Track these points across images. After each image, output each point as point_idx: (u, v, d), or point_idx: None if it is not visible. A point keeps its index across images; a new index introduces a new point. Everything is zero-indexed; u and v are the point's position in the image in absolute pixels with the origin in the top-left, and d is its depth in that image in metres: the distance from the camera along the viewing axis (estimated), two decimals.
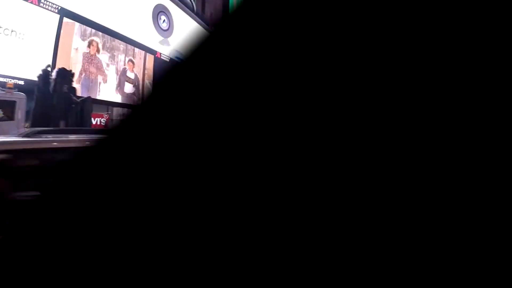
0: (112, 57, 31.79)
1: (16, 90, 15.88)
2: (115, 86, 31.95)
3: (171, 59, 37.36)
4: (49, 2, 24.83)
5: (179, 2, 43.52)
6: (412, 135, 0.30)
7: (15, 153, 3.67)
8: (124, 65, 33.50)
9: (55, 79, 16.90)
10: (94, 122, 28.60)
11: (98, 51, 30.55)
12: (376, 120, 0.30)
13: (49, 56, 25.15)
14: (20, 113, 14.36)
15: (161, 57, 38.72)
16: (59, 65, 25.58)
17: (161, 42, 38.80)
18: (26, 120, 15.03)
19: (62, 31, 26.34)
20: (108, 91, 31.15)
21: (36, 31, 24.40)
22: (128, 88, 33.75)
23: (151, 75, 37.24)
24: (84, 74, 28.38)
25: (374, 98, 0.31)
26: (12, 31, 22.64)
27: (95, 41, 29.69)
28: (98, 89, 29.77)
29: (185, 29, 43.62)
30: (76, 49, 27.40)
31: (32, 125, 14.58)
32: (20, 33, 23.20)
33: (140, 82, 35.95)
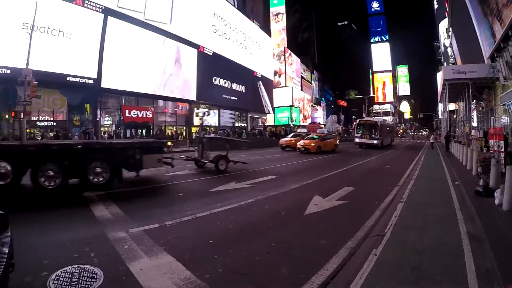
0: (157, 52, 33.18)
1: None
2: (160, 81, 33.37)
3: (214, 53, 38.24)
4: (93, 2, 26.17)
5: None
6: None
7: None
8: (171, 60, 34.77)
9: None
10: (140, 115, 29.92)
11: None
12: None
13: (95, 54, 26.47)
14: None
15: (204, 51, 39.50)
16: (106, 61, 27.24)
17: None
18: None
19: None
20: (154, 85, 32.55)
21: (82, 30, 25.65)
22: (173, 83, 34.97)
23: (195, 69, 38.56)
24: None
25: None
26: (59, 31, 24.19)
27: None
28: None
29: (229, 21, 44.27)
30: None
31: None
32: (67, 33, 24.64)
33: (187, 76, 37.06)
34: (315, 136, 28.37)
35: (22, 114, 18.72)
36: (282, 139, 29.58)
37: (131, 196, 8.94)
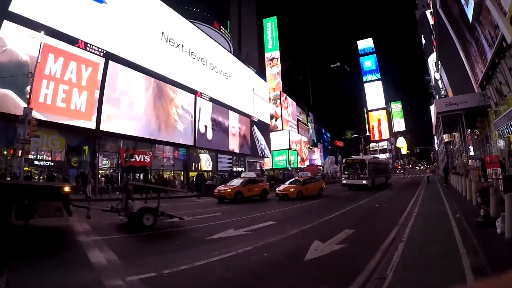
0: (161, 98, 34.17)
1: None
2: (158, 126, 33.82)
3: (211, 99, 39.03)
4: (95, 46, 27.19)
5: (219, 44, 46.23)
6: None
7: None
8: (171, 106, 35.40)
9: None
10: (138, 159, 30.00)
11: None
12: None
13: (95, 97, 26.95)
14: None
15: (202, 96, 40.48)
16: (105, 105, 27.73)
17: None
18: None
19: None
20: (152, 129, 32.95)
21: (84, 74, 26.38)
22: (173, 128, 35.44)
23: (195, 114, 39.35)
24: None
25: None
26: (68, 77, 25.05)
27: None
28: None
29: (225, 67, 45.69)
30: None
31: None
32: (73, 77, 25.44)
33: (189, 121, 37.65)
34: (300, 180, 25.18)
35: (20, 152, 18.90)
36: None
37: (127, 242, 9.00)
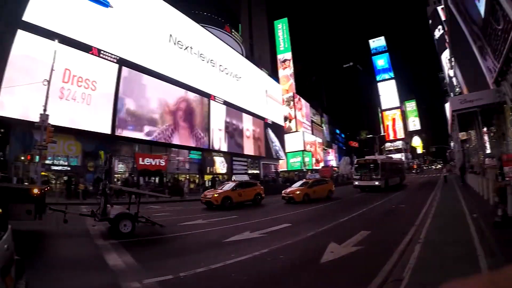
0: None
1: None
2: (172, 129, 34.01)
3: (225, 102, 39.08)
4: (108, 52, 27.65)
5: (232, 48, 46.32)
6: None
7: None
8: (180, 110, 35.55)
9: None
10: (154, 163, 30.12)
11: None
12: None
13: (110, 103, 27.35)
14: None
15: (215, 100, 40.58)
16: (120, 110, 28.03)
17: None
18: None
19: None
20: (167, 133, 33.15)
21: (100, 80, 27.02)
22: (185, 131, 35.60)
23: (208, 118, 39.57)
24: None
25: None
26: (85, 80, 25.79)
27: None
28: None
29: (238, 70, 45.68)
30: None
31: None
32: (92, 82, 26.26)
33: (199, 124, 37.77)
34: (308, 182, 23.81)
35: (37, 158, 19.35)
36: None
37: (144, 245, 9.03)
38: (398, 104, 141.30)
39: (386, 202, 18.99)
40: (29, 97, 21.82)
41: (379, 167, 27.80)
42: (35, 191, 9.77)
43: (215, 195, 18.98)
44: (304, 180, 26.21)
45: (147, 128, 30.87)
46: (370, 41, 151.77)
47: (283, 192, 22.42)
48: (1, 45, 22.51)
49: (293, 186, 23.93)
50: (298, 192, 21.22)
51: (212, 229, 11.55)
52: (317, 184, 23.23)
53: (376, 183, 27.36)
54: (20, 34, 22.50)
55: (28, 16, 22.81)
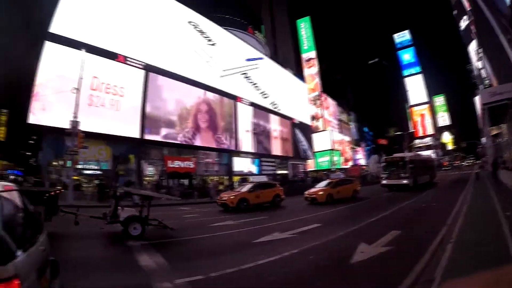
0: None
1: None
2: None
3: (251, 103, 38.78)
4: (134, 59, 28.06)
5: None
6: None
7: None
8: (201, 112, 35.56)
9: None
10: (183, 165, 30.20)
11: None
12: None
13: (138, 107, 27.67)
14: None
15: (242, 101, 40.43)
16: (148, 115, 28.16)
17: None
18: None
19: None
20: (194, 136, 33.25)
21: (127, 85, 27.48)
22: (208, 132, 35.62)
23: (234, 119, 39.46)
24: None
25: None
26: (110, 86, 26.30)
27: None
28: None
29: (262, 71, 45.45)
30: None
31: None
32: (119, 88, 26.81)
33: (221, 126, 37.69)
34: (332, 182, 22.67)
35: (69, 163, 20.08)
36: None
37: (174, 246, 9.18)
38: (426, 99, 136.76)
39: (416, 201, 18.07)
40: (59, 105, 22.43)
41: (407, 164, 26.65)
42: (49, 194, 9.90)
43: (231, 197, 18.35)
44: (329, 180, 25.03)
45: (173, 131, 31.33)
46: (395, 35, 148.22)
47: (305, 192, 21.47)
48: (30, 56, 23.39)
49: (316, 186, 22.90)
50: (321, 193, 20.22)
51: (242, 230, 11.58)
52: (341, 184, 22.13)
53: (404, 181, 26.12)
54: (48, 46, 23.28)
55: (55, 28, 23.59)
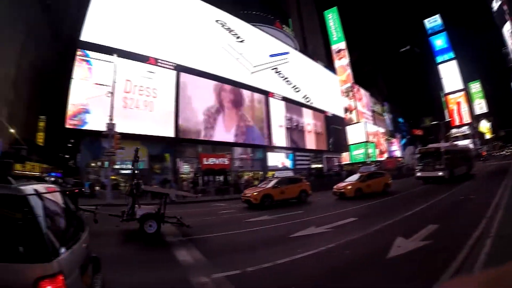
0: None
1: None
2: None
3: (283, 98, 38.29)
4: (165, 61, 28.72)
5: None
6: None
7: None
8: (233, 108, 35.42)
9: None
10: (217, 162, 30.29)
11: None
12: None
13: (171, 107, 28.30)
14: None
15: (274, 96, 40.03)
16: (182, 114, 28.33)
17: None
18: None
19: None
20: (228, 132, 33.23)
21: (160, 86, 28.10)
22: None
23: (264, 114, 39.00)
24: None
25: None
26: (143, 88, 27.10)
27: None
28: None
29: (293, 65, 44.88)
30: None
31: None
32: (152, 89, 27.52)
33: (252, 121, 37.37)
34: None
35: (106, 164, 20.92)
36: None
37: (211, 242, 9.30)
38: (461, 86, 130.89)
39: (453, 194, 16.93)
40: (94, 109, 23.72)
41: (442, 155, 25.13)
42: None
43: (254, 193, 17.62)
44: (359, 173, 23.29)
45: (209, 129, 31.75)
46: (425, 21, 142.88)
47: (334, 187, 20.52)
48: (64, 64, 24.21)
49: (346, 180, 21.91)
50: (349, 187, 19.37)
51: (278, 225, 11.52)
52: (371, 178, 20.96)
53: (440, 173, 24.53)
54: (80, 53, 24.60)
55: (85, 36, 24.85)
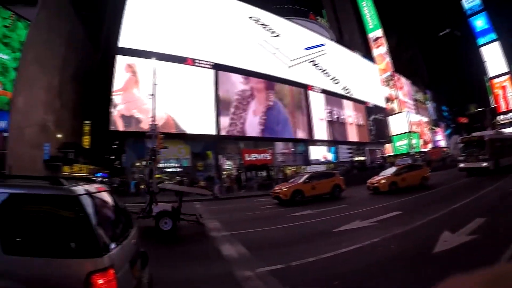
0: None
1: None
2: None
3: (323, 90, 37.67)
4: (202, 60, 29.24)
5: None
6: None
7: None
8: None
9: None
10: (260, 158, 30.23)
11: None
12: None
13: (211, 105, 28.90)
14: None
15: (313, 89, 39.46)
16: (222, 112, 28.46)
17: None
18: None
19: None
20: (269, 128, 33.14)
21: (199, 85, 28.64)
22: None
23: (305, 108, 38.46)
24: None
25: None
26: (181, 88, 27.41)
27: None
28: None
29: (330, 56, 44.09)
30: None
31: None
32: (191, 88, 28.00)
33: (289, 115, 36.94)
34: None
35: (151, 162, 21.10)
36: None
37: (255, 236, 9.34)
38: (506, 69, 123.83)
39: (501, 186, 15.54)
40: (137, 110, 25.26)
41: (487, 145, 23.10)
42: None
43: (284, 189, 16.91)
44: (396, 166, 22.04)
45: (248, 125, 31.89)
46: (463, 1, 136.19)
47: (368, 181, 19.43)
48: (105, 71, 25.09)
49: (381, 173, 20.34)
50: (383, 181, 18.12)
51: (322, 219, 11.41)
52: (407, 171, 19.43)
53: (484, 164, 22.20)
54: (119, 59, 25.97)
55: (123, 42, 26.13)
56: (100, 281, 2.80)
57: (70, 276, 2.87)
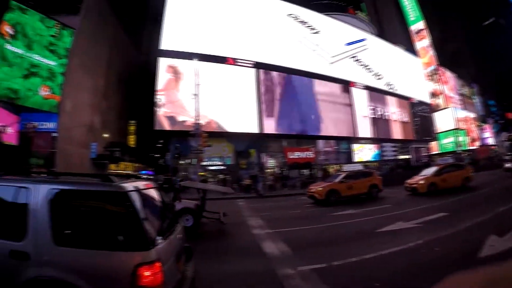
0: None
1: None
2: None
3: (366, 87, 36.94)
4: (243, 60, 29.57)
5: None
6: None
7: None
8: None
9: None
10: (302, 156, 30.11)
11: None
12: None
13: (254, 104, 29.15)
14: None
15: (356, 86, 38.77)
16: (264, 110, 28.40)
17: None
18: None
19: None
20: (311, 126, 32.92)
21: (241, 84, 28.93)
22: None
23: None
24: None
25: None
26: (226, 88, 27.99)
27: None
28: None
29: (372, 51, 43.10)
30: None
31: None
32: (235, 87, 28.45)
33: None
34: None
35: (195, 161, 22.73)
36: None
37: (297, 234, 9.23)
38: None
39: None
40: (180, 110, 25.87)
41: None
42: None
43: (319, 189, 16.46)
44: (436, 166, 20.75)
45: (295, 123, 31.89)
46: None
47: (406, 182, 18.43)
48: (149, 73, 25.88)
49: (421, 173, 19.06)
50: (422, 182, 17.11)
51: (364, 219, 11.14)
52: (447, 171, 18.16)
53: None
54: (162, 61, 26.95)
55: (165, 44, 27.12)
56: (147, 273, 2.99)
57: (118, 267, 3.09)
